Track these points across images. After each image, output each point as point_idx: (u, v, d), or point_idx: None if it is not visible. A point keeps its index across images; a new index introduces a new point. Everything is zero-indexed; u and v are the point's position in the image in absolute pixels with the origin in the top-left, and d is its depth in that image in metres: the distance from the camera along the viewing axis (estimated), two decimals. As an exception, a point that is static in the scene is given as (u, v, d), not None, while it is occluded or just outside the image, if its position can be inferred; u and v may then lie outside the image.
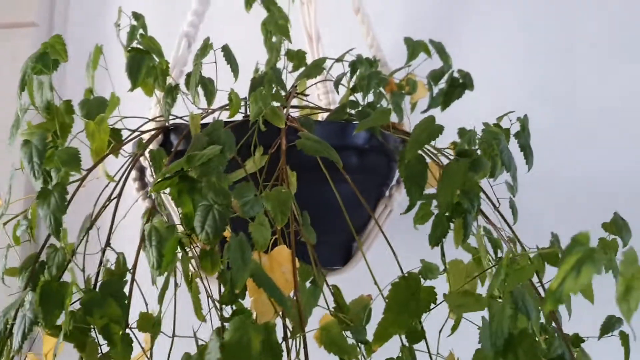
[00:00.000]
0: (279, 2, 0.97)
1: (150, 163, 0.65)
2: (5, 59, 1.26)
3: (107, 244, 0.66)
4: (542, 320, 0.70)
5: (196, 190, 0.49)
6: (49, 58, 0.60)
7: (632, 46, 1.09)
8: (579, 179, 1.06)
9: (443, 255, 0.65)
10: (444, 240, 0.64)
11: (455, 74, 0.93)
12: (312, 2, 1.11)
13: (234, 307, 0.53)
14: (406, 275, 0.61)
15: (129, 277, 0.61)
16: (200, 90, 0.75)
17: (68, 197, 0.55)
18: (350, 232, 0.90)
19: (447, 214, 0.62)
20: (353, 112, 0.79)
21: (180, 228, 0.52)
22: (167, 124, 0.76)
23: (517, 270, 0.53)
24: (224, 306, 0.52)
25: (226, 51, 0.70)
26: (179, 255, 0.51)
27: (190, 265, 0.52)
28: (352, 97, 0.83)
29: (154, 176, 0.68)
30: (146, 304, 0.63)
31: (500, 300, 0.51)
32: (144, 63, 0.71)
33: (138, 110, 0.85)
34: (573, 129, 1.08)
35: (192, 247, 0.52)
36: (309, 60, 1.02)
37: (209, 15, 0.97)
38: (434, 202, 0.70)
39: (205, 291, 0.56)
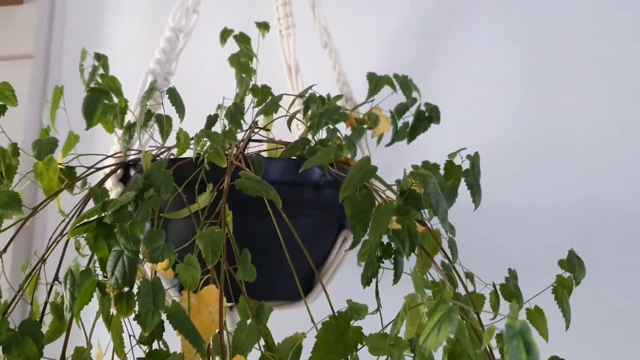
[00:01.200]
0: (255, 35, 1.00)
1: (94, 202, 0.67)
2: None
3: (55, 278, 0.68)
4: None
5: (112, 236, 0.51)
6: (-5, 104, 0.63)
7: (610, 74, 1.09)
8: (551, 208, 1.05)
9: (377, 294, 0.66)
10: (377, 280, 0.65)
11: (422, 107, 0.94)
12: (291, 34, 1.13)
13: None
14: (336, 314, 0.62)
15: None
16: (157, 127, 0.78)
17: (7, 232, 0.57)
18: (308, 266, 0.92)
19: (378, 254, 0.63)
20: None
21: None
22: (125, 160, 0.79)
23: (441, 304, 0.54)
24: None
25: (171, 94, 0.73)
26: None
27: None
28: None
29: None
30: (86, 338, 0.66)
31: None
32: (100, 103, 0.74)
33: (106, 147, 0.88)
34: (544, 158, 1.08)
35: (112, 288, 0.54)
36: (291, 91, 1.04)
37: (193, 44, 1.00)
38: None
39: (131, 327, 0.58)
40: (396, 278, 0.64)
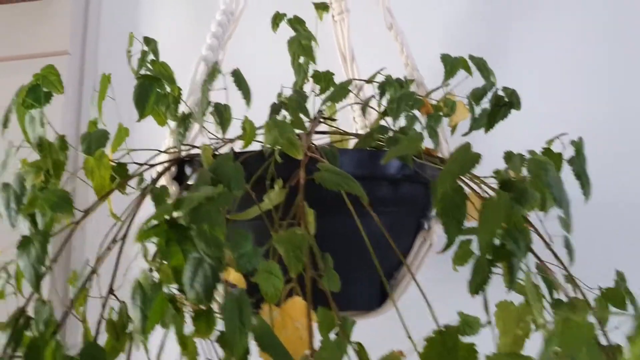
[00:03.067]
0: (309, 20, 0.91)
1: (153, 202, 0.58)
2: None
3: (110, 291, 0.60)
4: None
5: (187, 239, 0.42)
6: (40, 90, 0.55)
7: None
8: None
9: (486, 305, 0.56)
10: (485, 288, 0.55)
11: (500, 92, 0.84)
12: (345, 19, 1.04)
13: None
14: (442, 329, 0.52)
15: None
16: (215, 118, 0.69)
17: (56, 238, 0.49)
18: (385, 270, 0.82)
19: (488, 257, 0.53)
20: (383, 138, 0.72)
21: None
22: (180, 156, 0.70)
23: (573, 327, 0.44)
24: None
25: (237, 76, 0.64)
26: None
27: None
28: (384, 122, 0.75)
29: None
30: (148, 360, 0.57)
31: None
32: (153, 90, 0.66)
33: (158, 141, 0.79)
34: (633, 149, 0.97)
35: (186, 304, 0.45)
36: (342, 81, 0.95)
37: (239, 35, 0.92)
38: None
39: (214, 348, 0.50)
40: (511, 283, 0.54)
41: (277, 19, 0.91)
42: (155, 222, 0.43)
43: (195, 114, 0.65)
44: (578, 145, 0.66)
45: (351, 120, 1.04)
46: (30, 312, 0.51)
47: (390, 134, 0.70)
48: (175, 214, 0.43)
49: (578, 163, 0.65)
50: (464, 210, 0.62)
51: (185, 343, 0.46)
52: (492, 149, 0.66)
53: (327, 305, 0.58)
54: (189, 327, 0.48)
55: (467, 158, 0.56)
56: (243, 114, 0.71)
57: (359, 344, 0.54)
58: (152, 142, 0.78)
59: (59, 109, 1.15)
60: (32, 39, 1.25)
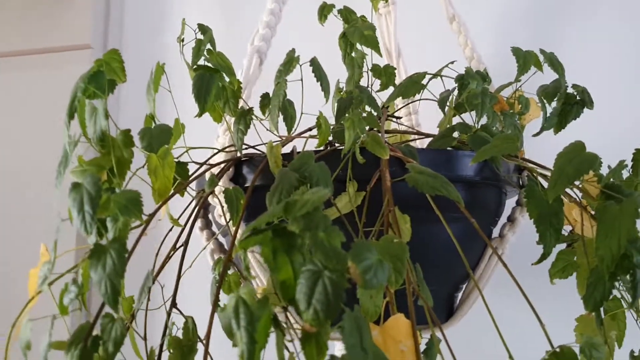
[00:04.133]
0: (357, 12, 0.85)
1: (224, 205, 0.52)
2: (62, 82, 1.17)
3: (173, 304, 0.54)
4: None
5: (295, 249, 0.36)
6: (103, 78, 0.48)
7: None
8: None
9: (601, 322, 0.50)
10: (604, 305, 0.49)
11: (570, 90, 0.79)
12: (391, 12, 0.99)
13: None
14: (558, 351, 0.46)
15: (200, 347, 0.49)
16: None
17: (127, 255, 0.42)
18: (451, 282, 0.76)
19: (610, 270, 0.48)
20: (457, 136, 0.66)
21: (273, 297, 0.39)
22: (238, 155, 0.64)
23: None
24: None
25: (315, 65, 0.58)
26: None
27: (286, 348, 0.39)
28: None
29: (227, 221, 0.55)
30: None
31: None
32: (214, 83, 0.59)
33: (202, 139, 0.73)
34: None
35: (288, 324, 0.39)
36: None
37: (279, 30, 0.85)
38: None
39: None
40: (634, 300, 0.48)
41: (325, 9, 0.85)
42: (258, 228, 0.37)
43: (277, 106, 0.59)
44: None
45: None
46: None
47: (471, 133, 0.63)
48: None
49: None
50: (562, 217, 0.56)
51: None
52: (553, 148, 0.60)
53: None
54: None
55: (582, 159, 0.50)
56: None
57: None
58: (195, 141, 0.72)
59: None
60: (54, 32, 1.18)
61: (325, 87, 0.59)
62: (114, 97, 1.16)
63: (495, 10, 1.05)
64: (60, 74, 1.16)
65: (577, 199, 0.59)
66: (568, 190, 0.62)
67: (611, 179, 0.55)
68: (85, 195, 0.41)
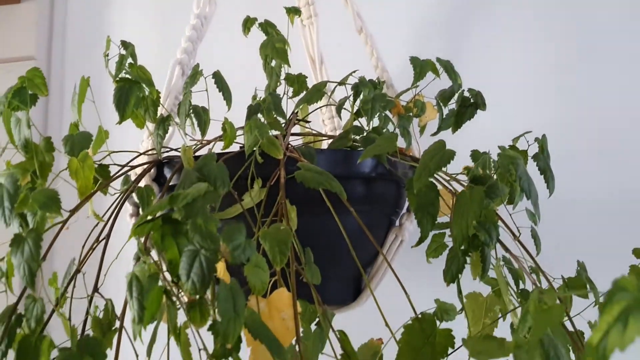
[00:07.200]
0: (279, 24, 0.93)
1: (139, 201, 0.60)
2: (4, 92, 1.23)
3: (95, 289, 0.61)
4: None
5: (181, 234, 0.44)
6: (26, 93, 0.56)
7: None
8: (605, 202, 0.99)
9: (460, 292, 0.60)
10: (460, 277, 0.58)
11: (466, 93, 0.88)
12: (314, 24, 1.07)
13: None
14: (420, 316, 0.55)
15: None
16: (194, 120, 0.71)
17: (43, 243, 0.50)
18: (356, 267, 0.85)
19: (462, 248, 0.57)
20: (357, 138, 0.74)
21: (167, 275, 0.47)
22: (159, 158, 0.72)
23: (545, 311, 0.47)
24: (217, 360, 0.47)
25: (217, 77, 0.66)
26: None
27: (178, 314, 0.47)
28: (356, 122, 0.78)
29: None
30: (136, 355, 0.58)
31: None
32: (133, 94, 0.67)
33: (132, 144, 0.80)
34: (598, 147, 1.02)
35: (179, 295, 0.47)
36: (312, 84, 0.97)
37: (207, 40, 0.93)
38: (448, 232, 0.65)
39: (201, 340, 0.51)
40: (483, 273, 0.58)
41: (248, 23, 0.93)
42: (150, 217, 0.45)
43: (175, 117, 0.67)
44: (542, 142, 0.70)
45: (320, 122, 1.07)
46: (20, 309, 0.52)
47: (364, 134, 0.72)
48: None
49: (542, 159, 0.68)
50: (437, 205, 0.65)
51: (178, 334, 0.47)
52: (457, 148, 0.69)
53: (306, 299, 0.61)
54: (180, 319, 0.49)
55: (442, 154, 0.59)
56: (217, 116, 0.73)
57: (342, 332, 0.56)
58: (125, 145, 0.79)
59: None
60: (-1, 43, 1.24)
61: (226, 97, 0.67)
62: (57, 106, 1.22)
63: (414, 19, 1.15)
64: (6, 83, 1.22)
65: (454, 191, 0.69)
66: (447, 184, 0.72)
67: (479, 169, 0.65)
68: (5, 192, 0.48)
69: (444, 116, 0.86)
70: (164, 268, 0.48)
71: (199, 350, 0.49)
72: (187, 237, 0.44)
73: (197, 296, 0.44)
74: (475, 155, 0.69)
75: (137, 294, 0.43)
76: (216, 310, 0.44)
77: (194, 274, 0.42)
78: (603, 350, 0.31)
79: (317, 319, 0.61)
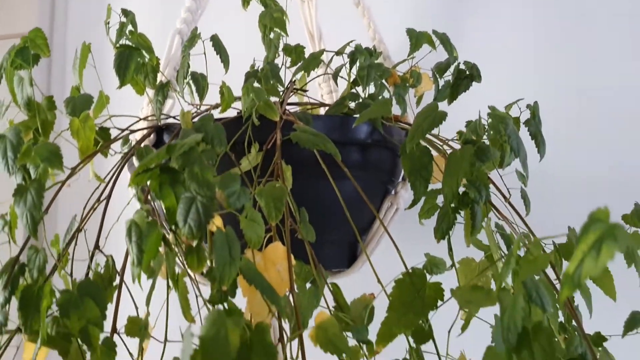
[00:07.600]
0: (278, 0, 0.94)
1: (138, 160, 0.61)
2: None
3: (96, 246, 0.63)
4: (561, 318, 0.65)
5: (178, 182, 0.46)
6: (28, 52, 0.57)
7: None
8: (596, 169, 1.01)
9: (450, 249, 0.61)
10: (450, 234, 0.60)
11: (462, 66, 0.89)
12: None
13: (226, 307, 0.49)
14: (410, 271, 0.57)
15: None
16: (192, 87, 0.73)
17: (45, 201, 0.51)
18: (353, 232, 0.86)
19: (453, 205, 0.58)
20: (353, 104, 0.76)
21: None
22: (159, 123, 0.73)
23: (530, 260, 0.49)
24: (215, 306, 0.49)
25: (215, 41, 0.67)
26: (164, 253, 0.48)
27: (177, 262, 0.49)
28: (353, 90, 0.80)
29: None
30: (136, 308, 0.60)
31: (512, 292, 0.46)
32: (133, 59, 0.68)
33: (133, 110, 0.82)
34: (588, 120, 1.03)
35: (178, 243, 0.49)
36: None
37: (207, 13, 0.94)
38: (441, 197, 0.66)
39: (198, 289, 0.53)
40: (474, 230, 0.59)
41: (247, -4, 0.94)
42: (148, 166, 0.46)
43: (173, 82, 0.68)
44: (534, 108, 0.71)
45: (316, 86, 1.09)
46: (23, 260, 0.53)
47: (360, 101, 0.74)
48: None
49: (534, 124, 0.70)
50: (431, 169, 0.67)
51: (176, 280, 0.49)
52: (453, 119, 0.71)
53: (304, 259, 0.62)
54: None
55: (435, 115, 0.60)
56: (216, 81, 0.74)
57: (335, 285, 0.58)
58: (125, 112, 0.81)
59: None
60: (2, 20, 1.25)
61: (224, 59, 0.69)
62: (59, 79, 1.24)
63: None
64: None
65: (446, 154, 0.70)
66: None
67: (470, 132, 0.66)
68: (8, 143, 0.50)
69: (440, 87, 0.87)
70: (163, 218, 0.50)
71: (196, 297, 0.51)
72: (184, 185, 0.46)
73: (195, 242, 0.46)
74: (470, 123, 0.71)
75: (136, 238, 0.45)
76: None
77: (190, 219, 0.44)
78: (578, 278, 0.33)
79: (311, 279, 0.62)
